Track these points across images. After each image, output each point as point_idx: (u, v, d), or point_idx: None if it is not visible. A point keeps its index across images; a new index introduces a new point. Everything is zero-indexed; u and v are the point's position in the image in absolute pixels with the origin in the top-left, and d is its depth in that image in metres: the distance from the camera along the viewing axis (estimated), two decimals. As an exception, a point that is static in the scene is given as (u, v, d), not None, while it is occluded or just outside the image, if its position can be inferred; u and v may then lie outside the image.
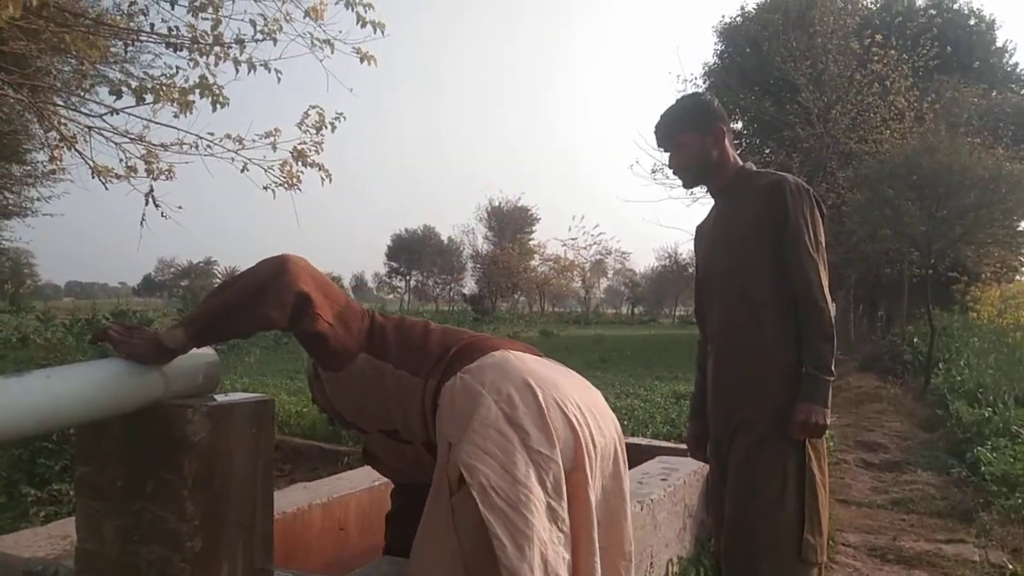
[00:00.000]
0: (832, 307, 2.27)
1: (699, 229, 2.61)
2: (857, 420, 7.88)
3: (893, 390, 9.87)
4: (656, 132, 2.45)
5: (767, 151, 19.71)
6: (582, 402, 1.76)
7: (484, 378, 1.69)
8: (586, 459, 1.68)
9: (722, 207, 2.43)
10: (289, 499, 2.53)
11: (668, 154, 2.42)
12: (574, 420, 1.70)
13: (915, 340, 13.01)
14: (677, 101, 2.48)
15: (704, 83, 21.93)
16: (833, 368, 2.18)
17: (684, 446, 4.02)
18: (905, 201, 11.69)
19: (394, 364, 1.80)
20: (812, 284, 2.20)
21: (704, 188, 2.48)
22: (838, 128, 16.91)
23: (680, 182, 2.49)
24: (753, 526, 2.16)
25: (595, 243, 49.69)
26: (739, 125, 21.73)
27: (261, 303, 1.63)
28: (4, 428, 1.30)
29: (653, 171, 19.97)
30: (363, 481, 2.84)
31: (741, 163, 2.42)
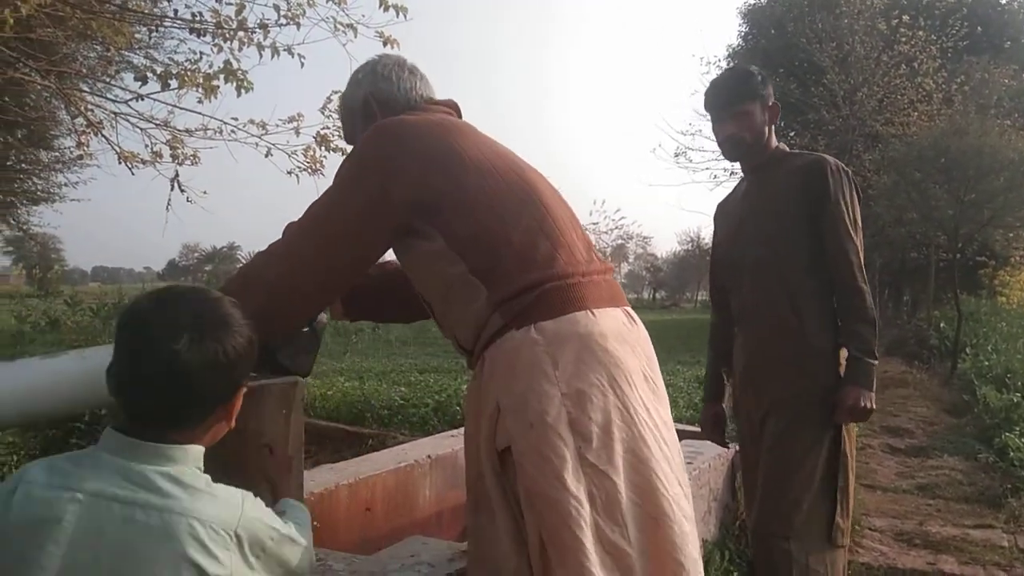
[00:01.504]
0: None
1: (722, 207, 2.56)
2: (883, 405, 7.82)
3: (919, 375, 9.78)
4: (715, 98, 2.39)
5: (792, 134, 19.49)
6: (646, 400, 1.53)
7: (559, 357, 1.43)
8: (654, 477, 1.47)
9: (754, 184, 2.40)
10: (316, 480, 2.55)
11: (719, 123, 2.38)
12: (644, 425, 1.49)
13: (942, 325, 12.87)
14: (734, 70, 2.47)
15: (728, 65, 21.69)
16: (876, 351, 2.18)
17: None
18: (932, 184, 11.54)
19: (458, 252, 1.51)
20: (852, 266, 2.19)
21: (731, 166, 2.54)
22: (864, 110, 16.68)
23: (722, 155, 2.46)
24: (788, 507, 2.15)
25: (616, 227, 49.36)
26: (763, 108, 21.46)
27: (275, 328, 1.55)
28: (42, 405, 1.32)
29: (676, 154, 19.88)
30: (389, 463, 2.86)
31: (777, 142, 2.42)
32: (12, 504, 0.98)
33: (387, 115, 1.69)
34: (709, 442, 3.36)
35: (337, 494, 2.53)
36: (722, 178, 19.48)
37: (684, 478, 1.58)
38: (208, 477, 1.08)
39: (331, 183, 1.61)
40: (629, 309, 1.63)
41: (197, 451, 1.08)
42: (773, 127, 2.41)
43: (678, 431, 1.69)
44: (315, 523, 1.54)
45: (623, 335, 1.54)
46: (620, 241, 51.43)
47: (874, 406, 2.16)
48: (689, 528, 1.50)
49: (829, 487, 2.15)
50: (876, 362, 2.18)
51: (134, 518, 0.98)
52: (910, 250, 17.25)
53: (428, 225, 1.53)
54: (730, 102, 2.35)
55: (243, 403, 1.36)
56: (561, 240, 1.55)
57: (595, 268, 1.59)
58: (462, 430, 3.09)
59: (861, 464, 5.44)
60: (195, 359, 1.04)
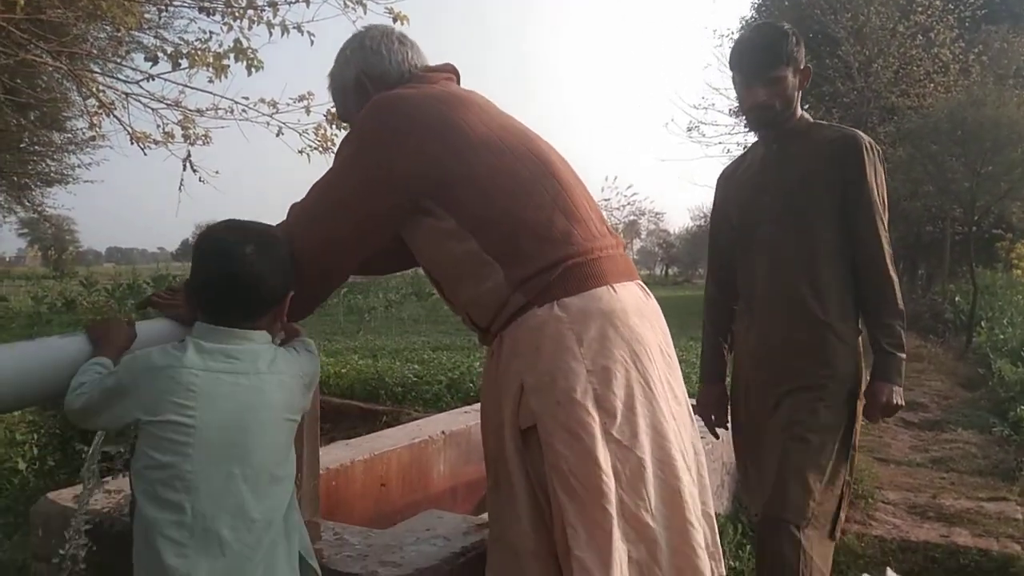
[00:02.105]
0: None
1: (731, 176, 2.33)
2: (897, 380, 7.79)
3: (934, 349, 9.74)
4: (746, 61, 2.15)
5: (806, 107, 19.25)
6: (663, 373, 1.56)
7: (583, 334, 1.44)
8: (673, 448, 1.50)
9: (776, 154, 2.19)
10: (332, 455, 2.58)
11: (747, 89, 2.14)
12: (663, 400, 1.51)
13: (956, 299, 12.79)
14: (766, 29, 2.21)
15: (740, 37, 21.40)
16: (905, 344, 2.08)
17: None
18: (949, 157, 11.41)
19: (469, 230, 1.49)
20: (884, 255, 2.07)
21: (745, 140, 2.37)
22: (879, 82, 16.45)
23: (747, 123, 2.40)
24: (803, 495, 1.99)
25: (628, 204, 49.16)
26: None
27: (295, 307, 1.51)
28: (62, 383, 1.34)
29: (688, 129, 19.69)
30: (403, 439, 2.89)
31: (802, 111, 2.22)
32: (155, 378, 1.28)
33: (381, 91, 1.64)
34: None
35: (352, 470, 2.56)
36: (735, 152, 19.31)
37: (699, 445, 1.65)
38: (277, 347, 1.43)
39: (332, 166, 1.60)
40: (641, 283, 1.64)
41: (265, 334, 1.40)
42: (800, 93, 2.19)
43: (692, 405, 1.72)
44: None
45: (641, 310, 1.56)
46: (632, 217, 51.15)
47: (904, 402, 2.07)
48: (699, 494, 1.56)
49: (837, 479, 2.05)
50: (905, 356, 2.07)
51: (238, 383, 1.32)
52: (925, 223, 17.10)
53: (437, 204, 1.50)
54: (762, 67, 2.10)
55: None
56: (577, 214, 1.53)
57: (610, 242, 1.58)
58: (476, 407, 3.10)
59: (875, 438, 5.45)
60: (259, 263, 1.36)
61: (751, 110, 2.17)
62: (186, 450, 1.26)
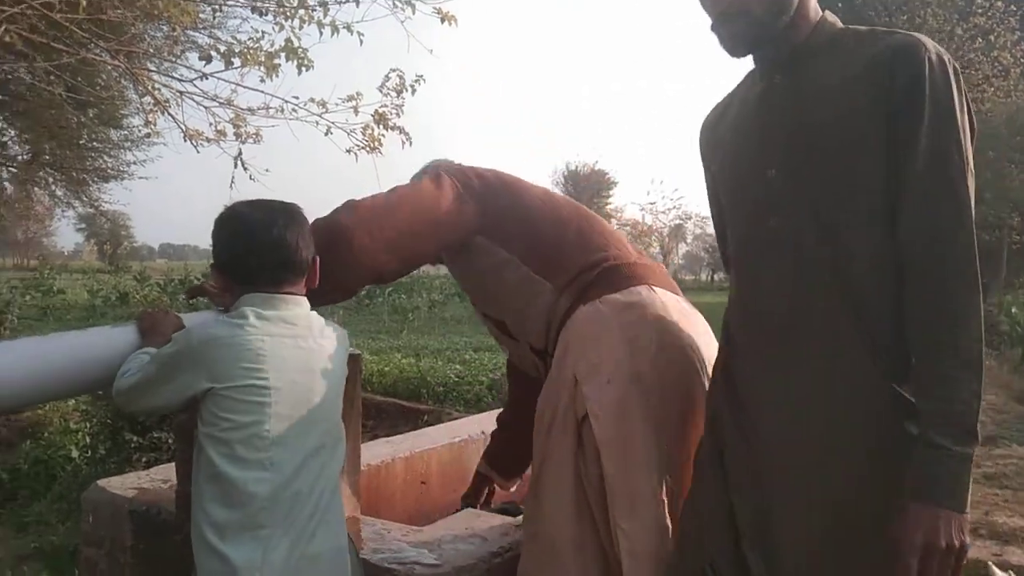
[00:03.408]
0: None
1: (715, 127, 1.52)
2: (948, 392, 7.59)
3: (988, 362, 9.43)
4: None
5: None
6: (708, 359, 1.65)
7: (626, 320, 1.59)
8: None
9: (780, 90, 1.35)
10: (373, 452, 2.60)
11: None
12: (704, 384, 1.59)
13: (1013, 310, 12.39)
14: None
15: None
16: (979, 427, 1.17)
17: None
18: (1007, 164, 11.09)
19: (520, 258, 1.68)
20: (961, 252, 1.19)
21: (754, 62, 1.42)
22: (936, 86, 16.06)
23: (725, 44, 1.37)
24: None
25: (674, 207, 48.88)
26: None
27: (325, 285, 1.54)
28: (112, 372, 1.37)
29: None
30: (444, 437, 2.90)
31: (821, 12, 1.38)
32: (219, 347, 1.34)
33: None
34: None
35: (394, 467, 2.57)
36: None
37: None
38: (316, 314, 1.49)
39: (410, 182, 1.78)
40: (685, 299, 1.77)
41: (305, 300, 1.47)
42: None
43: None
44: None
45: (682, 310, 1.68)
46: (678, 221, 50.89)
47: (967, 539, 1.16)
48: None
49: None
50: (973, 451, 1.17)
51: (299, 346, 1.40)
52: (981, 232, 16.61)
53: (489, 241, 1.71)
54: None
55: None
56: (611, 239, 1.75)
57: (648, 262, 1.78)
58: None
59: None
60: (288, 234, 1.42)
61: (718, 23, 1.37)
62: (265, 410, 1.34)
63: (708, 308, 1.86)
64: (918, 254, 1.20)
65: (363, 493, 2.12)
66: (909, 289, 1.21)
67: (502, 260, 1.70)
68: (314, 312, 1.48)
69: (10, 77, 8.01)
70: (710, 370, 1.57)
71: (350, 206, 1.63)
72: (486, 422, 3.21)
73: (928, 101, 1.20)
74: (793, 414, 1.29)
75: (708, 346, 1.66)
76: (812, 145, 1.29)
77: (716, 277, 63.00)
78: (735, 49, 1.38)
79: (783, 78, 1.35)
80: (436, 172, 1.72)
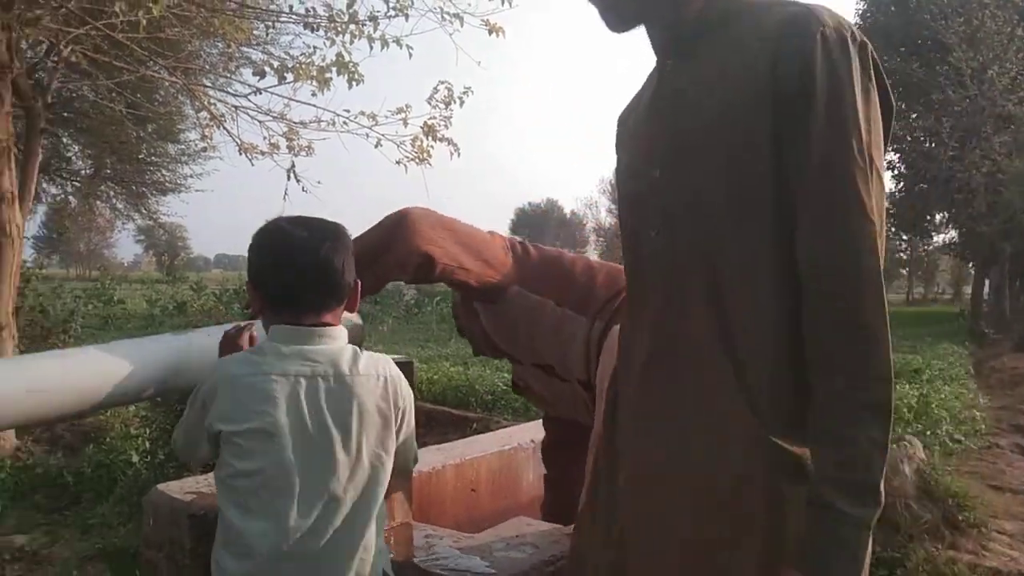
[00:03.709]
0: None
1: (624, 120, 1.31)
2: (1012, 403, 7.34)
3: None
4: None
5: (914, 116, 18.44)
6: None
7: None
8: None
9: (669, 75, 1.15)
10: (424, 459, 2.62)
11: None
12: None
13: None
14: None
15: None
16: (882, 487, 0.95)
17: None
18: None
19: (556, 300, 1.81)
20: (866, 284, 0.97)
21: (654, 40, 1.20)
22: (994, 90, 15.63)
23: (603, 17, 1.17)
24: None
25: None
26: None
27: (383, 265, 1.66)
28: (175, 378, 1.41)
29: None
30: (493, 445, 2.91)
31: None
32: (233, 387, 1.27)
33: None
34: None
35: (444, 474, 2.59)
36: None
37: None
38: (354, 347, 1.37)
39: None
40: None
41: (343, 331, 1.36)
42: None
43: None
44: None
45: None
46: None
47: None
48: None
49: None
50: (876, 513, 0.94)
51: (318, 387, 1.28)
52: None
53: (526, 290, 1.85)
54: None
55: None
56: None
57: None
58: (566, 415, 3.08)
59: (988, 464, 5.14)
60: (335, 257, 1.33)
61: None
62: (271, 456, 1.23)
63: None
64: (813, 284, 0.98)
65: (414, 499, 2.14)
66: (805, 325, 0.99)
67: (537, 303, 1.82)
68: (351, 345, 1.36)
69: (75, 95, 8.31)
70: None
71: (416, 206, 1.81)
72: (535, 430, 3.21)
73: (819, 91, 0.98)
74: (655, 467, 1.08)
75: None
76: (694, 145, 1.07)
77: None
78: (614, 23, 1.17)
79: (675, 62, 1.14)
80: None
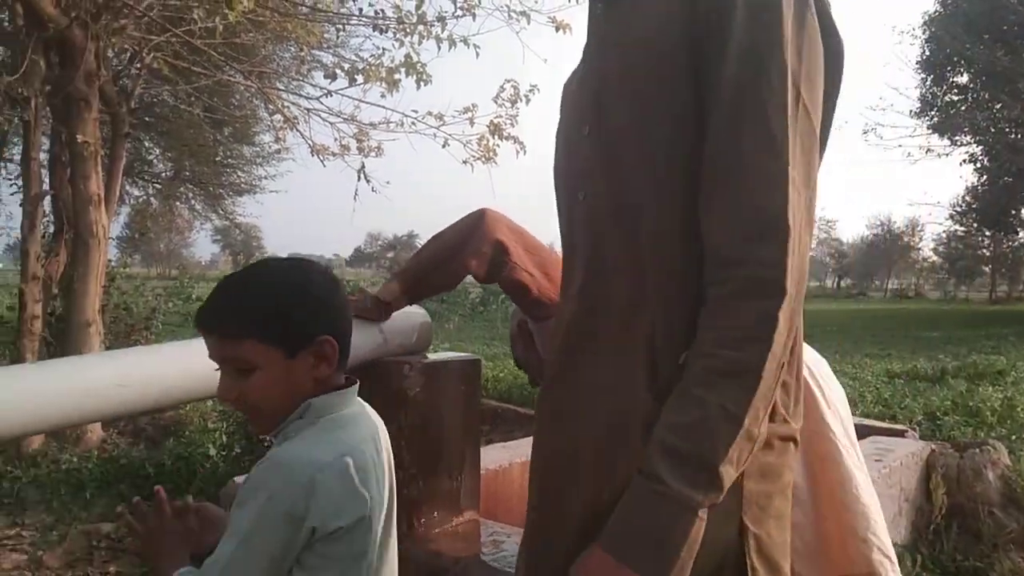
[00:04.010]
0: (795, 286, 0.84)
1: (567, 82, 1.16)
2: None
3: None
4: None
5: (999, 106, 17.64)
6: (813, 361, 1.60)
7: None
8: (828, 425, 1.54)
9: (602, 15, 1.04)
10: (490, 457, 2.63)
11: None
12: (811, 383, 1.54)
13: None
14: None
15: (924, 33, 19.97)
16: (723, 472, 0.80)
17: (898, 426, 3.74)
18: None
19: None
20: (768, 228, 0.83)
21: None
22: (1089, 76, 14.81)
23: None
24: None
25: (796, 212, 47.14)
26: (964, 78, 19.62)
27: (461, 253, 1.76)
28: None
29: (864, 132, 18.62)
30: (560, 444, 2.91)
31: None
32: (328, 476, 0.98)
33: None
34: (899, 439, 3.16)
35: (510, 472, 2.60)
36: (917, 156, 17.99)
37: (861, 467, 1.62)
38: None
39: None
40: None
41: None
42: None
43: (867, 426, 1.67)
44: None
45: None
46: (800, 226, 48.93)
47: None
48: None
49: None
50: (708, 499, 0.80)
51: (380, 448, 1.09)
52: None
53: None
54: None
55: (426, 379, 1.49)
56: None
57: None
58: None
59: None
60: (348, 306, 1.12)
61: None
62: (369, 538, 1.03)
63: (834, 316, 1.76)
64: (711, 246, 0.86)
65: (481, 496, 2.16)
66: (709, 266, 0.86)
67: None
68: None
69: (156, 100, 8.64)
70: (824, 382, 1.56)
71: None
72: (602, 430, 3.20)
73: (739, 7, 0.84)
74: (561, 437, 0.99)
75: (814, 360, 1.62)
76: (613, 95, 0.96)
77: (842, 284, 60.27)
78: None
79: (604, 6, 1.02)
80: None
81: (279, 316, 1.02)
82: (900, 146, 19.01)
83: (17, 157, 5.86)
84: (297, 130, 5.91)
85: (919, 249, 54.88)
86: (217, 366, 1.05)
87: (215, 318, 1.03)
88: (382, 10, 5.26)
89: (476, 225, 1.79)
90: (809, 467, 1.53)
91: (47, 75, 4.78)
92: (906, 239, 54.69)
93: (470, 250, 1.77)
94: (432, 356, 1.84)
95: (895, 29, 21.70)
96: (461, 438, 1.81)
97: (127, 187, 10.87)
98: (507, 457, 2.66)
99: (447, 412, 1.76)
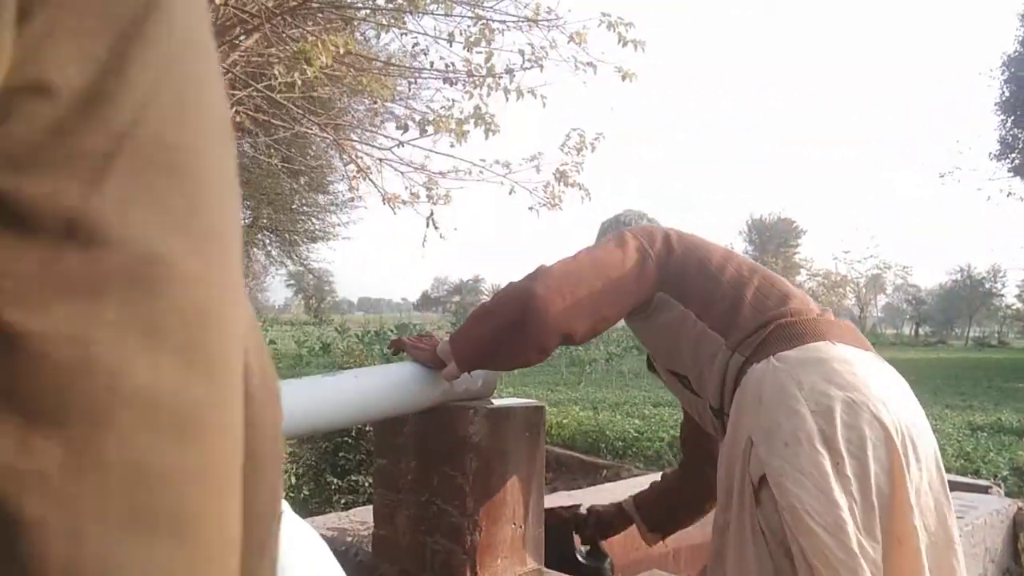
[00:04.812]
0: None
1: None
2: None
3: None
4: None
5: None
6: (904, 422, 1.49)
7: (802, 378, 1.47)
8: (909, 495, 1.43)
9: None
10: (554, 505, 2.62)
11: None
12: (898, 448, 1.44)
13: None
14: None
15: (1003, 74, 19.43)
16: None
17: (982, 482, 3.57)
18: None
19: (697, 313, 1.67)
20: None
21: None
22: None
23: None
24: None
25: (871, 256, 45.92)
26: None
27: (520, 347, 1.62)
28: (325, 418, 1.50)
29: (941, 175, 18.13)
30: (625, 494, 2.86)
31: None
32: None
33: None
34: (983, 496, 3.02)
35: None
36: (997, 199, 17.37)
37: (953, 533, 1.52)
38: None
39: (595, 245, 1.81)
40: (875, 353, 1.63)
41: None
42: None
43: (948, 482, 1.58)
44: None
45: (869, 363, 1.56)
46: (876, 270, 47.66)
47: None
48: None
49: None
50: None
51: None
52: None
53: (669, 296, 1.70)
54: None
55: (490, 424, 1.50)
56: (793, 294, 1.68)
57: (832, 318, 1.66)
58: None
59: None
60: None
61: None
62: None
63: (911, 365, 1.69)
64: None
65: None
66: None
67: (680, 315, 1.69)
68: None
69: (237, 152, 9.03)
70: (905, 430, 1.46)
71: (542, 272, 1.66)
72: (668, 480, 3.14)
73: None
74: None
75: (901, 405, 1.52)
76: None
77: (921, 331, 58.08)
78: None
79: None
80: (620, 234, 1.76)
81: None
82: (980, 190, 18.28)
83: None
84: (370, 179, 6.09)
85: (1002, 296, 52.59)
86: None
87: None
88: (452, 63, 5.43)
89: (527, 320, 1.59)
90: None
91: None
92: (987, 285, 52.53)
93: (530, 345, 1.62)
94: (496, 402, 1.85)
95: (973, 71, 21.05)
96: (525, 486, 1.81)
97: (208, 234, 11.30)
98: (571, 506, 2.64)
99: (511, 459, 1.77)
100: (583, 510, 2.24)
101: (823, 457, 1.40)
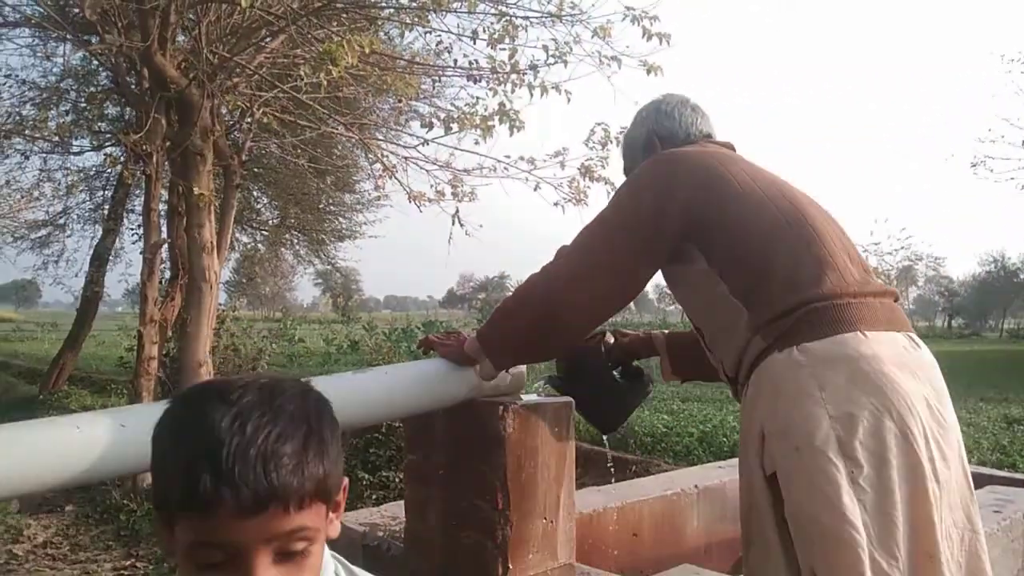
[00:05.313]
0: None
1: None
2: None
3: None
4: None
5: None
6: (932, 422, 1.40)
7: (825, 379, 1.37)
8: (933, 510, 1.35)
9: None
10: (585, 500, 2.61)
11: None
12: (923, 458, 1.35)
13: None
14: None
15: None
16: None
17: (1019, 476, 3.50)
18: None
19: (720, 273, 1.54)
20: None
21: None
22: None
23: None
24: None
25: (902, 247, 45.22)
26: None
27: (559, 336, 1.66)
28: (357, 416, 1.52)
29: (973, 165, 17.82)
30: (655, 490, 2.85)
31: None
32: None
33: (667, 148, 1.76)
34: (1020, 490, 2.97)
35: (606, 516, 2.57)
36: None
37: (977, 522, 1.46)
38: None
39: (606, 206, 1.70)
40: (912, 334, 1.51)
41: None
42: None
43: (983, 475, 1.55)
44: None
45: (902, 359, 1.43)
46: (907, 262, 46.92)
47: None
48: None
49: None
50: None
51: None
52: None
53: (692, 246, 1.57)
54: None
55: (520, 420, 1.52)
56: (831, 262, 1.50)
57: (871, 290, 1.50)
58: (730, 462, 2.98)
59: None
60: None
61: None
62: None
63: (945, 358, 1.61)
64: None
65: (576, 541, 2.15)
66: None
67: (703, 271, 1.56)
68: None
69: (264, 152, 9.13)
70: (931, 432, 1.37)
71: (560, 258, 1.65)
72: (699, 475, 3.12)
73: None
74: None
75: (930, 399, 1.43)
76: None
77: (954, 323, 57.11)
78: None
79: None
80: (636, 184, 1.67)
81: (328, 459, 0.79)
82: (1012, 179, 17.94)
83: (138, 209, 6.27)
84: (395, 178, 6.12)
85: (1038, 286, 51.57)
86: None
87: (291, 479, 0.74)
88: (476, 61, 5.44)
89: (554, 324, 1.61)
90: None
91: (167, 132, 5.15)
92: (1022, 276, 51.53)
93: (558, 347, 1.70)
94: (525, 397, 1.86)
95: (1003, 58, 20.66)
96: (555, 481, 1.82)
97: (237, 234, 11.46)
98: (602, 502, 2.64)
99: (541, 454, 1.77)
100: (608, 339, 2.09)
101: (836, 466, 1.32)
